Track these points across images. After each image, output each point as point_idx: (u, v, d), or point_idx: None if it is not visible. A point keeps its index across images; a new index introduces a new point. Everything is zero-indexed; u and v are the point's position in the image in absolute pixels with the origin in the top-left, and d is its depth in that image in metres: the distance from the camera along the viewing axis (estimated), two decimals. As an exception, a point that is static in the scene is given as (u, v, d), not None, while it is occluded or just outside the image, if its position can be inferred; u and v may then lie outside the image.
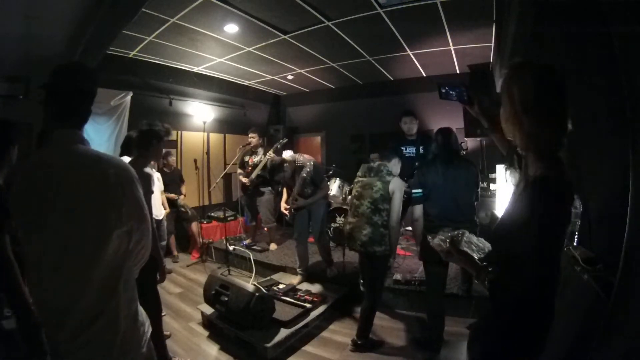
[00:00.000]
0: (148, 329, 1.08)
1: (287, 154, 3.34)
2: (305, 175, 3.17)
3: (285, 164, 3.13)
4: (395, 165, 2.48)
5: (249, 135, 4.38)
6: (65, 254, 0.90)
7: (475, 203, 2.34)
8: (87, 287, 0.90)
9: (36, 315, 1.39)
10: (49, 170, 0.93)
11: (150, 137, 2.09)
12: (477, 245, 1.14)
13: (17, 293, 1.53)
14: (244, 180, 4.25)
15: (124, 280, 0.97)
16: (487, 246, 1.13)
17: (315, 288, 3.25)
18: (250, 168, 4.30)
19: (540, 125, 0.85)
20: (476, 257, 1.07)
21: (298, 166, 3.23)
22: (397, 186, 2.35)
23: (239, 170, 4.51)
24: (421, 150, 3.67)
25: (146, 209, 1.03)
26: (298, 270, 3.46)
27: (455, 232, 1.19)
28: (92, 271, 0.90)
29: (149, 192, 2.06)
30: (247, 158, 4.43)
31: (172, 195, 4.32)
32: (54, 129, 0.98)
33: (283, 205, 3.44)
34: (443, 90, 1.38)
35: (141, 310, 1.07)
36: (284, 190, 3.49)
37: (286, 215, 3.37)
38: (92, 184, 0.92)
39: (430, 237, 1.24)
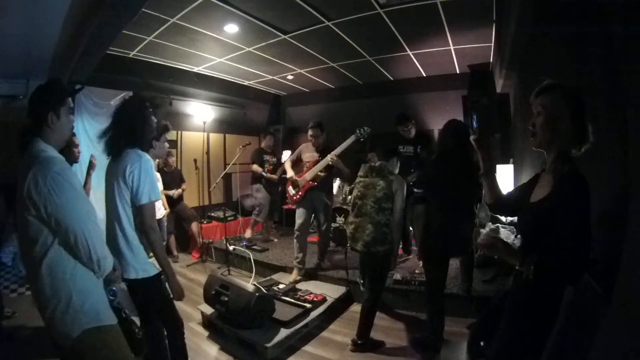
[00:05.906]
0: (89, 319, 1.18)
1: (286, 154, 3.36)
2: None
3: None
4: (394, 165, 2.49)
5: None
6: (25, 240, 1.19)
7: (477, 205, 2.34)
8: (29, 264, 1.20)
9: None
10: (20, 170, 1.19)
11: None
12: (504, 235, 1.46)
13: None
14: (271, 177, 4.54)
15: (46, 267, 1.14)
16: (512, 237, 1.46)
17: (316, 288, 3.25)
18: (270, 167, 4.57)
19: (569, 124, 1.12)
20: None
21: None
22: (399, 184, 2.36)
23: (256, 167, 4.57)
24: (419, 150, 3.67)
25: (67, 214, 1.13)
26: (295, 262, 3.45)
27: (494, 227, 1.47)
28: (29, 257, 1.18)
29: None
30: (266, 157, 4.64)
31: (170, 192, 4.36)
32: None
33: (292, 177, 3.51)
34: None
35: (83, 306, 1.17)
36: (286, 165, 3.67)
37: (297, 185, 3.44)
38: (31, 186, 1.12)
39: (482, 230, 1.47)
